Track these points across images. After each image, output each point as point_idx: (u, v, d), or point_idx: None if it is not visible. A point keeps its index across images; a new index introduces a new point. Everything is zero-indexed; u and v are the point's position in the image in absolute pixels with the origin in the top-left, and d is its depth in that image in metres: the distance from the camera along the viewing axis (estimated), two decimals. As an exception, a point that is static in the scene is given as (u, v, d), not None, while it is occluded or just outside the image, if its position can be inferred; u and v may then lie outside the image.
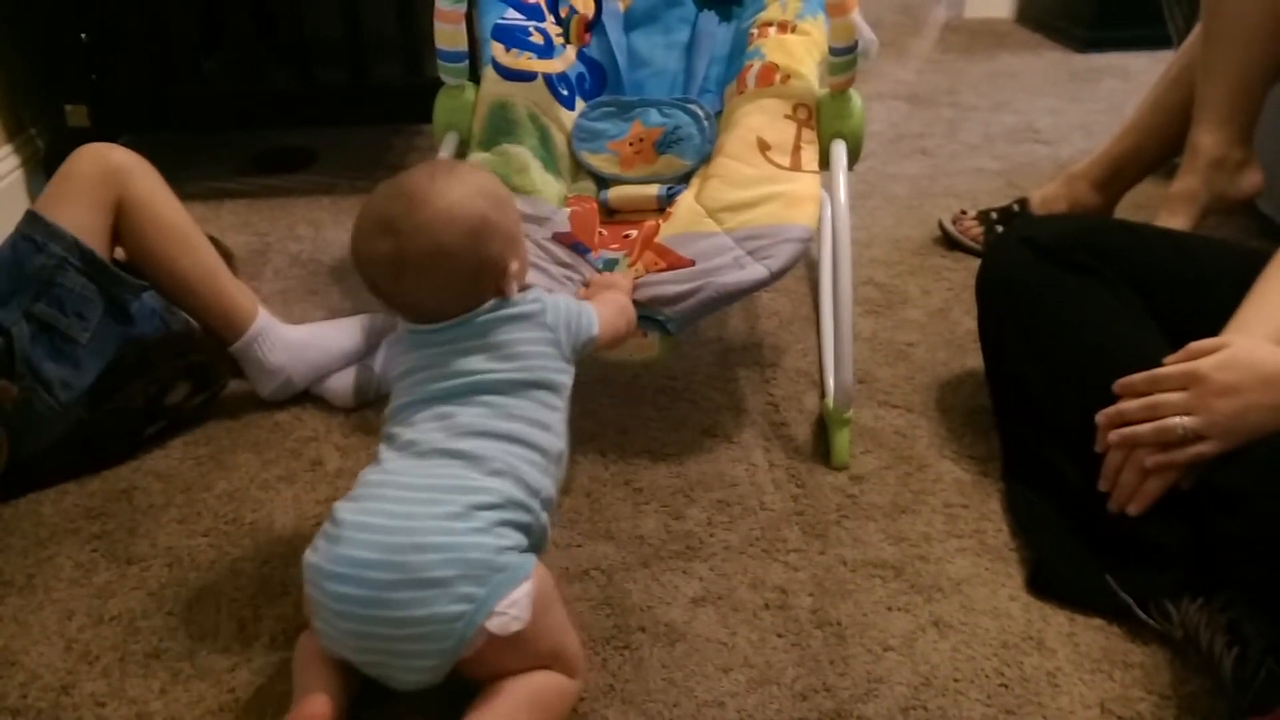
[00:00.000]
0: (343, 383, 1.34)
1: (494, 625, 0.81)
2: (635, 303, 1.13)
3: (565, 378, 0.97)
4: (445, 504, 0.84)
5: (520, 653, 0.84)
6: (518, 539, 0.86)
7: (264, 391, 1.34)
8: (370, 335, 1.38)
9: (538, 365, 0.94)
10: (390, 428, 0.94)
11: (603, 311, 1.04)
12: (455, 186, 0.92)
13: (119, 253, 1.26)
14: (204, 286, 1.28)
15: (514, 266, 0.95)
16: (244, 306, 1.31)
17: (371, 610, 0.82)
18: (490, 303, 0.94)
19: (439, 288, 0.93)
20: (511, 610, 0.82)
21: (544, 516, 0.91)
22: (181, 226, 1.27)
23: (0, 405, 1.12)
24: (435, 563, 0.81)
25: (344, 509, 0.87)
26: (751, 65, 1.34)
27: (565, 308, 0.98)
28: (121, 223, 1.23)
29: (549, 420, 0.94)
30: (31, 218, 1.19)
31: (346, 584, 0.82)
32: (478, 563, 0.82)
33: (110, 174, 1.22)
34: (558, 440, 0.95)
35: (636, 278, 1.16)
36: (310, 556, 0.86)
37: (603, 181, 1.38)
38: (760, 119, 1.28)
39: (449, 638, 0.81)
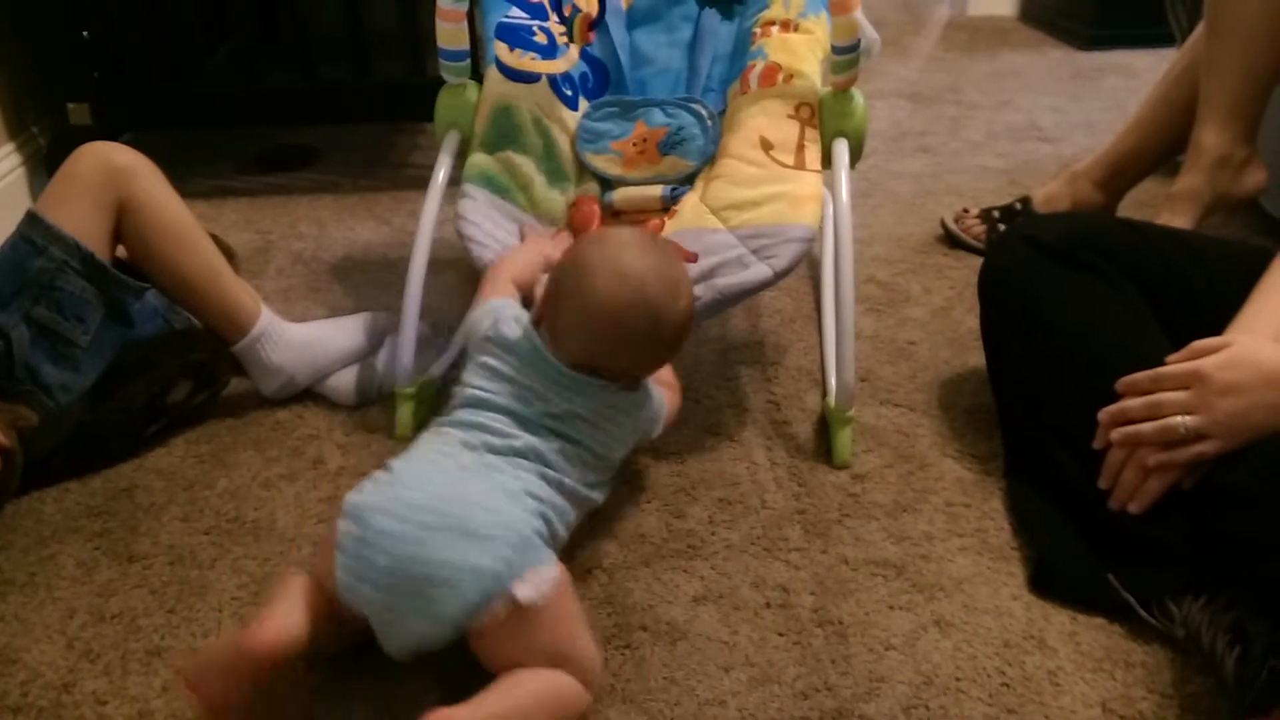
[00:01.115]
0: (345, 381, 1.34)
1: (521, 591, 0.83)
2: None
3: (626, 455, 1.04)
4: (498, 483, 0.89)
5: (533, 638, 0.85)
6: (547, 535, 0.91)
7: (266, 390, 1.34)
8: (372, 334, 1.38)
9: (618, 447, 1.01)
10: (462, 413, 0.96)
11: (671, 406, 1.11)
12: (686, 284, 0.99)
13: (121, 251, 1.26)
14: (207, 286, 1.28)
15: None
16: (247, 305, 1.30)
17: (410, 548, 0.83)
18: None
19: (643, 366, 1.01)
20: (540, 585, 0.84)
21: (562, 534, 0.95)
22: (184, 226, 1.26)
23: (20, 431, 1.12)
24: (483, 519, 0.84)
25: (399, 461, 0.90)
26: (754, 65, 1.34)
27: (657, 406, 1.06)
28: (124, 223, 1.23)
29: (596, 480, 1.00)
30: (32, 219, 1.18)
31: (391, 519, 0.85)
32: (519, 534, 0.85)
33: (112, 174, 1.22)
34: (597, 496, 1.00)
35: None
36: (353, 495, 0.88)
37: (607, 183, 1.37)
38: (763, 119, 1.28)
39: (477, 592, 0.82)
